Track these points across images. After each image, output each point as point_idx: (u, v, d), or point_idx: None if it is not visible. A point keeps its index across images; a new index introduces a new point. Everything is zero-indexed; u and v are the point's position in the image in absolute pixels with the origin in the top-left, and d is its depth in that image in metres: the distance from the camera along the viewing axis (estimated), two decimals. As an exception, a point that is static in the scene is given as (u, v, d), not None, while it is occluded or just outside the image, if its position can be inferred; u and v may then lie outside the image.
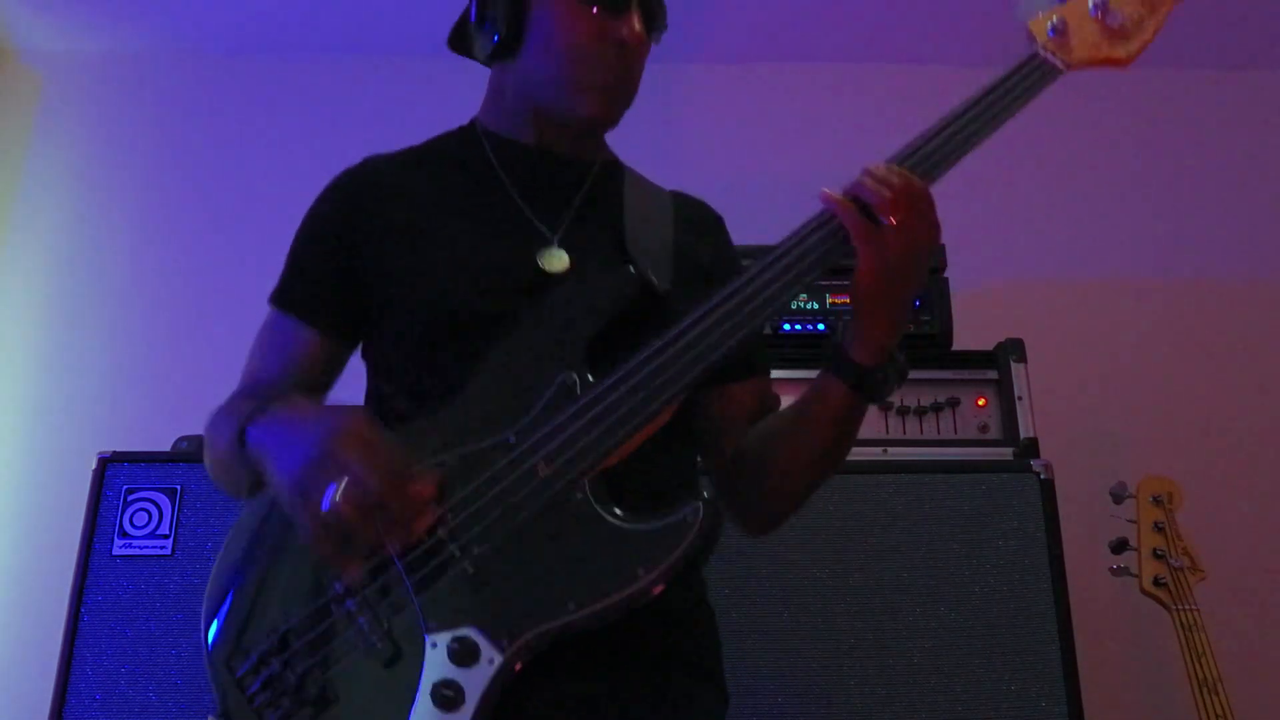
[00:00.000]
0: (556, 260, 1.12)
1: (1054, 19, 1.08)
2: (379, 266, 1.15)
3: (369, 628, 0.95)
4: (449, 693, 0.90)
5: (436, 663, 0.92)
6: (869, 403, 1.05)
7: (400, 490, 0.92)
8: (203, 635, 1.04)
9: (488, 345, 1.05)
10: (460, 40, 1.27)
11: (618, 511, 0.96)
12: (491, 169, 1.20)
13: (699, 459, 1.22)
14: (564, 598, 0.92)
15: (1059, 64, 1.07)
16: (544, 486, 0.96)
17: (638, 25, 1.14)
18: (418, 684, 0.92)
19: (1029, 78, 1.06)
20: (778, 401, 1.24)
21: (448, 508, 0.97)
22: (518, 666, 0.92)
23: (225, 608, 1.03)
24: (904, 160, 1.00)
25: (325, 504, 0.89)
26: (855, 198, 0.97)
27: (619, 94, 1.17)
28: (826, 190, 0.99)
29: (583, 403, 0.98)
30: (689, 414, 1.17)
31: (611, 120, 1.20)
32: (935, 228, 0.99)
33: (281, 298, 1.21)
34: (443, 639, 0.93)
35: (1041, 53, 1.07)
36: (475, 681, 0.91)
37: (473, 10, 1.22)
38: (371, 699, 0.94)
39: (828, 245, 0.99)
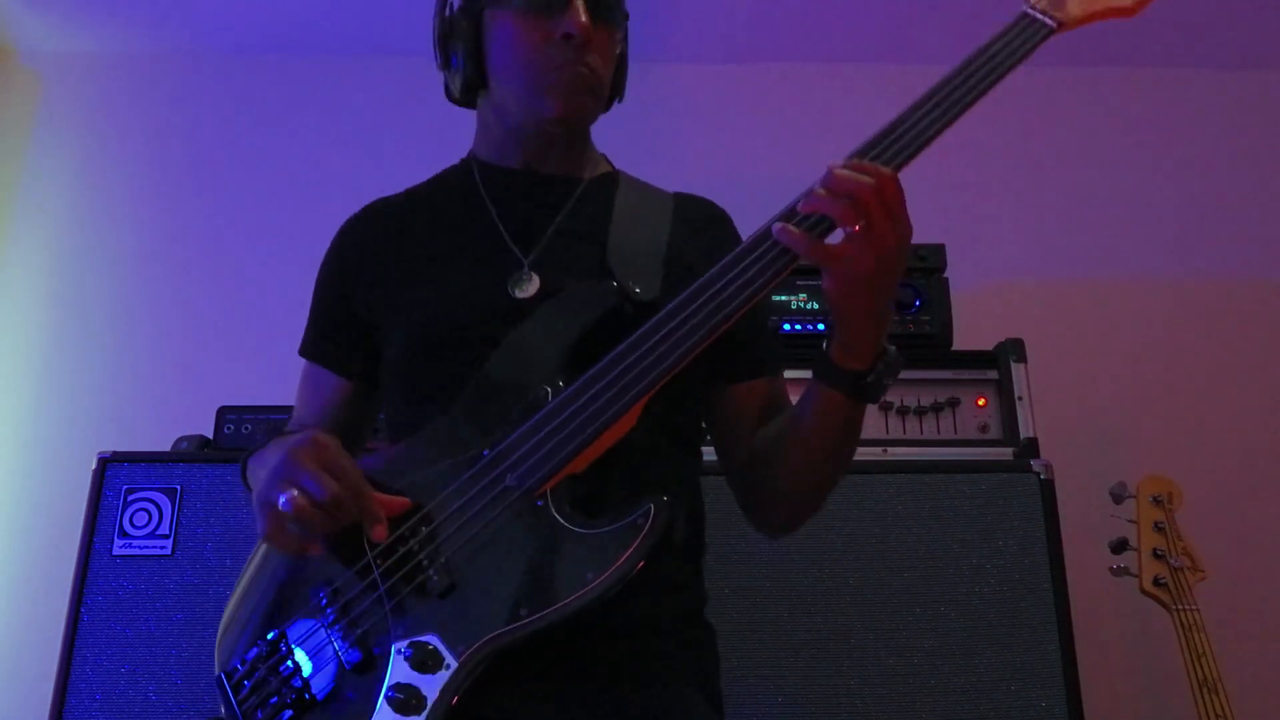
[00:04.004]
0: (527, 284, 1.13)
1: None
2: (372, 310, 1.20)
3: (344, 634, 0.98)
4: (404, 697, 0.92)
5: (399, 669, 0.95)
6: (866, 403, 1.04)
7: (354, 491, 0.95)
8: (215, 652, 1.10)
9: (467, 368, 1.07)
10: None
11: (575, 517, 0.97)
12: (480, 199, 1.22)
13: (688, 463, 1.20)
14: (517, 605, 0.94)
15: (1050, 22, 1.01)
16: (508, 496, 0.98)
17: (582, 16, 1.13)
18: (381, 688, 0.94)
19: (1017, 39, 1.01)
20: (788, 403, 1.23)
21: (420, 518, 1.00)
22: (463, 685, 0.93)
23: (231, 623, 1.09)
24: (876, 144, 0.97)
25: (281, 504, 0.94)
26: (815, 210, 0.95)
27: (578, 88, 1.16)
28: (781, 226, 0.95)
29: (546, 411, 1.00)
30: (688, 415, 1.18)
31: (580, 117, 1.20)
32: (905, 227, 0.94)
33: (305, 347, 1.28)
34: (405, 645, 0.95)
35: (1031, 11, 1.02)
36: (433, 687, 0.93)
37: (437, 58, 1.24)
38: (344, 703, 0.97)
39: (780, 249, 0.97)
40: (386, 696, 0.93)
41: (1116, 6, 1.03)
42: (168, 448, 1.90)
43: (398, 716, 0.92)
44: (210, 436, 1.91)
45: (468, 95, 1.25)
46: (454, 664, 0.93)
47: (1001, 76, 1.00)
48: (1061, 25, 1.02)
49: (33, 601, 2.22)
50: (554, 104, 1.16)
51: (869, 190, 0.92)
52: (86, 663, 1.67)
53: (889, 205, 0.92)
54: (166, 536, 1.73)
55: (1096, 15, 1.03)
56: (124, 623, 1.69)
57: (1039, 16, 1.02)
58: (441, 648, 0.94)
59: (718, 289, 0.98)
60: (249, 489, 1.13)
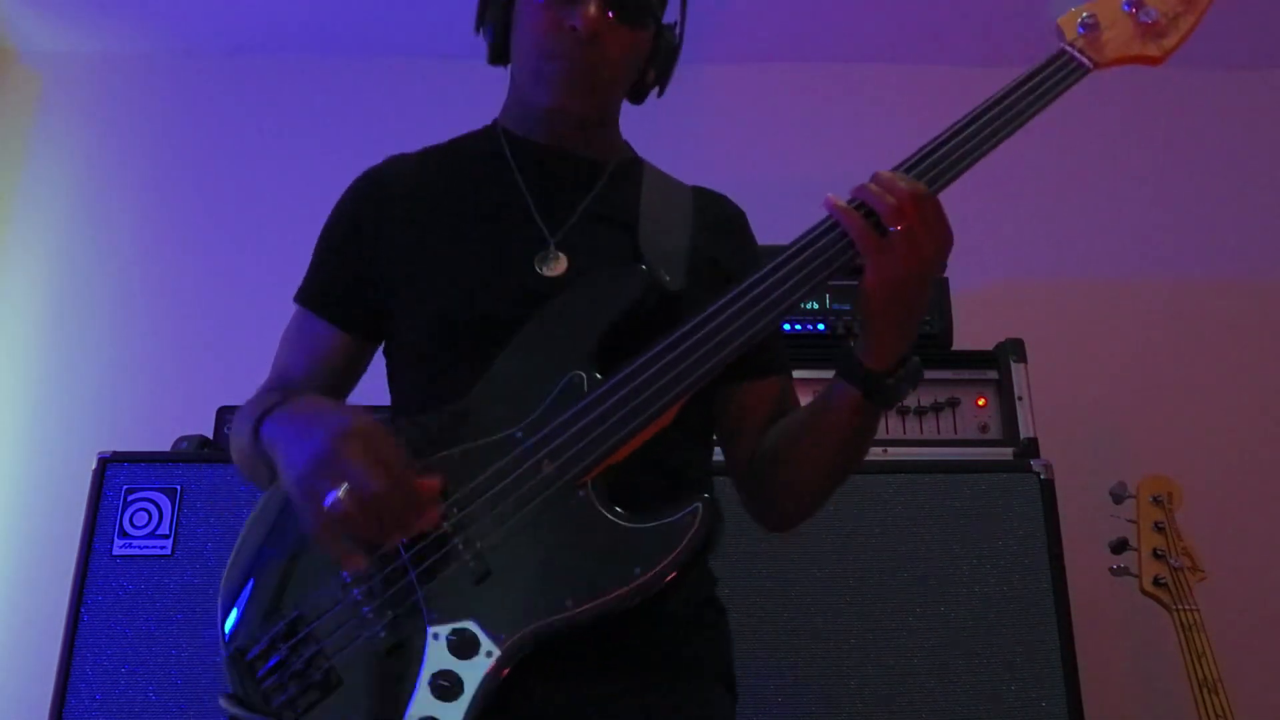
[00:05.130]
0: (554, 263, 1.12)
1: (1085, 15, 1.05)
2: (389, 270, 1.17)
3: (374, 616, 0.97)
4: (446, 683, 0.92)
5: (436, 654, 0.94)
6: (882, 408, 1.05)
7: (401, 490, 0.92)
8: (219, 621, 1.05)
9: (491, 346, 1.06)
10: None
11: (619, 510, 0.97)
12: (508, 169, 1.21)
13: (706, 455, 1.21)
14: (562, 595, 0.93)
15: (1087, 62, 1.04)
16: (547, 483, 0.97)
17: (593, 9, 1.12)
18: (418, 674, 0.94)
19: (1055, 75, 1.03)
20: (796, 402, 1.23)
21: (453, 502, 0.98)
22: (504, 672, 0.93)
23: (241, 595, 1.05)
24: (914, 166, 0.99)
25: (327, 503, 0.90)
26: (861, 204, 0.97)
27: (578, 81, 1.15)
28: (831, 196, 0.97)
29: (588, 401, 0.99)
30: (709, 410, 1.18)
31: (577, 109, 1.18)
32: (945, 235, 0.97)
33: (304, 295, 1.23)
34: (443, 631, 0.94)
35: (1069, 49, 1.05)
36: (473, 674, 0.92)
37: (477, 21, 1.25)
38: (374, 686, 0.96)
39: (836, 250, 0.98)
40: (425, 681, 0.93)
41: (1146, 54, 1.06)
42: (168, 448, 1.90)
43: (438, 702, 0.92)
44: (210, 436, 1.91)
45: (495, 61, 1.24)
46: (496, 651, 0.93)
47: (1037, 112, 1.02)
48: (1096, 65, 1.05)
49: (33, 601, 2.22)
50: (547, 94, 1.16)
51: (907, 194, 0.95)
52: (86, 663, 1.67)
53: (925, 212, 0.95)
54: (166, 536, 1.73)
55: (1127, 59, 1.06)
56: (124, 623, 1.69)
57: (1076, 55, 1.05)
58: (481, 634, 0.94)
59: (767, 287, 0.99)
60: (258, 449, 1.04)
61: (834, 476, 1.12)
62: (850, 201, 0.97)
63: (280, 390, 1.14)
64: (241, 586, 1.05)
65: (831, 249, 0.99)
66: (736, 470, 1.21)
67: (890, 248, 0.95)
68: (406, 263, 1.16)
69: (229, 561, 1.07)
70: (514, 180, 1.20)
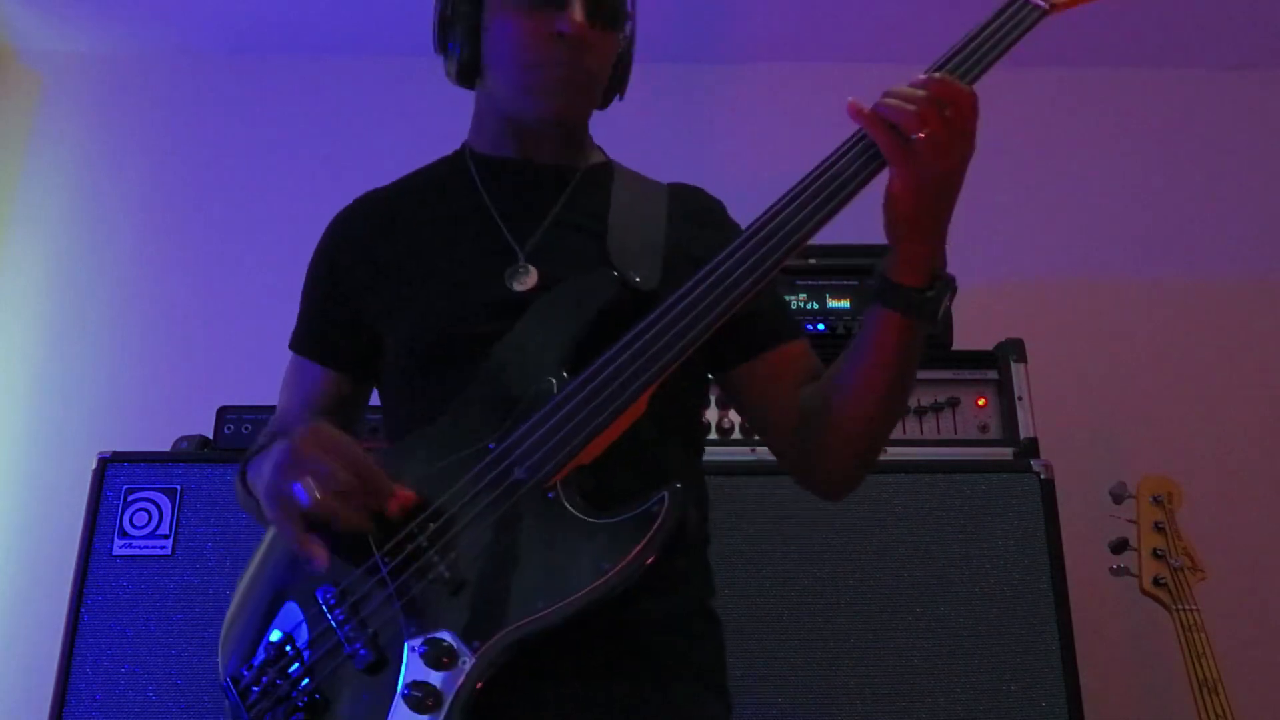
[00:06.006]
0: (524, 277, 1.12)
1: None
2: (366, 304, 1.19)
3: (354, 635, 0.97)
4: (420, 694, 0.91)
5: (414, 666, 0.93)
6: (926, 325, 1.01)
7: (362, 471, 0.94)
8: (219, 657, 1.08)
9: (468, 364, 1.06)
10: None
11: (587, 508, 0.96)
12: (475, 190, 1.21)
13: (692, 456, 1.20)
14: (532, 597, 0.93)
15: (1043, 3, 1.01)
16: (517, 488, 0.97)
17: (578, 15, 1.13)
18: (396, 687, 0.93)
19: (1009, 22, 1.01)
20: (821, 366, 1.19)
21: (427, 515, 0.98)
22: (479, 685, 0.92)
23: (235, 628, 1.07)
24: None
25: (303, 501, 0.92)
26: (881, 119, 0.94)
27: (569, 88, 1.16)
28: (854, 101, 0.95)
29: (554, 403, 0.99)
30: (687, 407, 1.17)
31: (570, 117, 1.20)
32: (969, 135, 0.94)
33: (294, 340, 1.27)
34: (418, 643, 0.94)
35: None
36: (449, 684, 0.91)
37: (434, 40, 1.24)
38: (358, 704, 0.96)
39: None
40: (402, 694, 0.92)
41: None
42: (168, 448, 1.90)
43: (414, 715, 0.91)
44: (210, 436, 1.91)
45: (464, 81, 1.24)
46: (470, 659, 0.92)
47: (989, 65, 0.99)
48: (1054, 8, 1.02)
49: (33, 601, 2.22)
50: (541, 103, 1.17)
51: (926, 98, 0.93)
52: (86, 663, 1.67)
53: (945, 112, 0.92)
54: (166, 536, 1.73)
55: None
56: (124, 623, 1.69)
57: None
58: (457, 644, 0.93)
59: (723, 272, 0.97)
60: (249, 494, 1.10)
61: (884, 416, 1.08)
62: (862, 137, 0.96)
63: (270, 434, 1.16)
64: (237, 621, 1.07)
65: (774, 238, 0.97)
66: (781, 442, 1.18)
67: (915, 154, 0.93)
68: (381, 292, 1.18)
69: (232, 601, 1.10)
70: (480, 198, 1.20)
